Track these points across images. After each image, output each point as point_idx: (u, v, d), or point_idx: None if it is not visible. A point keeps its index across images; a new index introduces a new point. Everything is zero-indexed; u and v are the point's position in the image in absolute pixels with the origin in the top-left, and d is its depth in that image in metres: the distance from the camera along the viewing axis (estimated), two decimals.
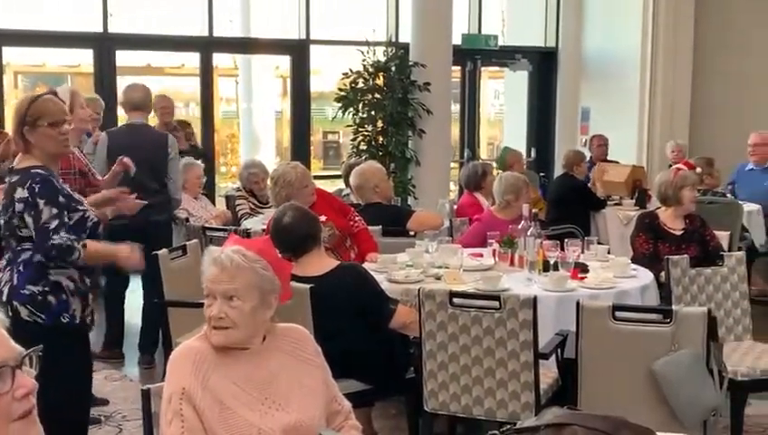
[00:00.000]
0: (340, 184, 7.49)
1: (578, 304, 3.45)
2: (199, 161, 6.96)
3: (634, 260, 4.77)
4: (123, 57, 8.82)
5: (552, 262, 4.37)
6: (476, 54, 9.98)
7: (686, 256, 4.42)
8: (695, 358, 3.23)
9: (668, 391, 3.24)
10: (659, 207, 5.21)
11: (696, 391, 3.22)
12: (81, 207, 3.41)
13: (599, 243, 5.17)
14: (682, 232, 4.99)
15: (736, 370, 3.90)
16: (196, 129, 8.50)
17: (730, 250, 5.00)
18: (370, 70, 8.72)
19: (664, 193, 5.10)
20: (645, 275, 4.44)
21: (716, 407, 3.37)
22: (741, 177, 8.00)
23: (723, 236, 5.16)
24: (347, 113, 8.74)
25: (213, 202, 7.62)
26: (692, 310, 3.36)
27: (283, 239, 3.78)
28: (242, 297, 2.32)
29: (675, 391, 3.23)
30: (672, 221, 5.03)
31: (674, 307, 3.38)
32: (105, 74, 8.36)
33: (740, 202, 7.02)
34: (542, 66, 10.55)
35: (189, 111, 11.09)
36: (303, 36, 9.22)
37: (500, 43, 10.06)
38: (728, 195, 7.46)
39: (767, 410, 4.73)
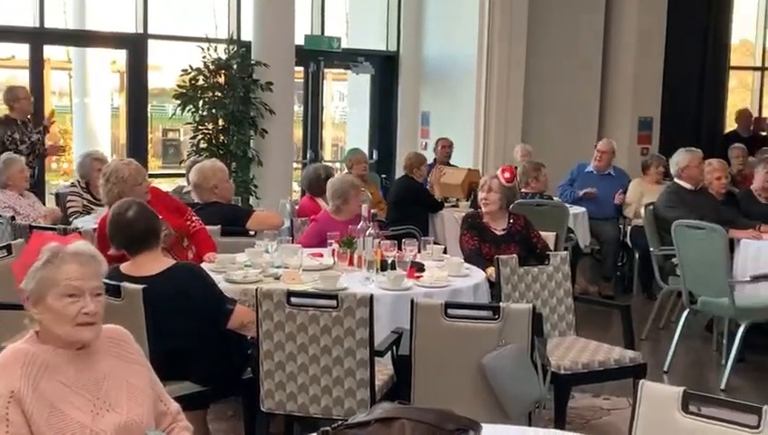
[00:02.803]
0: (181, 182, 7.35)
1: (412, 302, 3.53)
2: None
3: (464, 259, 4.92)
4: None
5: (389, 261, 4.46)
6: (319, 56, 10.02)
7: (514, 255, 4.60)
8: (520, 352, 3.37)
9: (495, 384, 3.37)
10: None
11: (520, 385, 3.36)
12: None
13: (435, 243, 5.31)
14: (504, 232, 5.18)
15: (560, 364, 4.09)
16: None
17: (556, 250, 5.23)
18: (211, 67, 8.59)
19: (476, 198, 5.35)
20: (477, 274, 4.60)
21: (540, 399, 3.52)
22: (579, 176, 8.43)
23: (549, 237, 5.40)
24: (186, 111, 8.57)
25: (42, 200, 7.28)
26: (518, 307, 3.49)
27: (124, 234, 3.70)
28: (102, 291, 2.39)
29: (501, 385, 3.36)
30: (494, 222, 5.22)
31: (501, 304, 3.51)
32: None
33: (566, 205, 7.39)
34: (385, 70, 10.73)
35: None
36: (141, 30, 8.97)
37: (343, 45, 10.14)
38: (555, 197, 7.84)
39: (589, 402, 5.02)
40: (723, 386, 5.33)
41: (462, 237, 5.18)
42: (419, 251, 4.81)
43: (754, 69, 12.78)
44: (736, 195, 6.88)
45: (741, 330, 5.35)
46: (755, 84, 12.79)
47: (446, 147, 9.21)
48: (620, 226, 8.17)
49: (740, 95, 13.59)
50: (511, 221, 5.23)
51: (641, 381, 2.41)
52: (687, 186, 6.49)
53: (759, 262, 5.83)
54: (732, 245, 5.81)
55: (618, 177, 8.43)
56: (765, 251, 5.84)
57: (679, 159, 6.56)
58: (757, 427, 2.22)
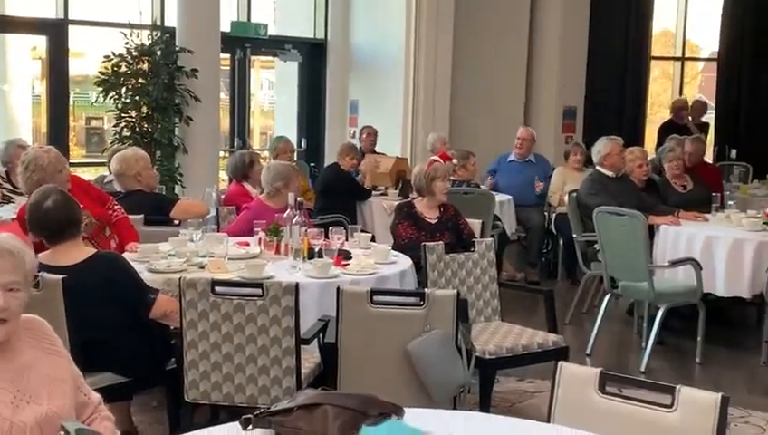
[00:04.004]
0: (103, 171, 7.20)
1: (338, 289, 3.54)
2: None
3: (397, 247, 4.95)
4: None
5: (316, 249, 4.45)
6: (246, 43, 9.92)
7: (441, 242, 4.64)
8: (445, 338, 3.41)
9: (420, 369, 3.40)
10: (416, 197, 5.44)
11: (445, 370, 3.40)
12: None
13: (362, 231, 5.33)
14: (436, 220, 5.26)
15: (484, 348, 4.15)
16: None
17: (482, 238, 5.29)
18: (134, 53, 8.43)
19: (418, 184, 5.35)
20: (404, 262, 4.62)
21: (465, 384, 3.56)
22: (501, 167, 8.54)
23: (475, 225, 5.47)
24: (109, 98, 8.39)
25: None
26: (443, 292, 3.53)
27: (43, 223, 3.62)
28: (21, 287, 2.29)
29: (426, 370, 3.39)
30: (427, 210, 5.28)
31: (427, 290, 3.54)
32: None
33: (492, 193, 7.47)
34: (312, 57, 10.67)
35: None
36: (61, 16, 8.74)
37: (270, 32, 10.05)
38: (482, 186, 7.92)
39: (514, 385, 5.10)
40: (642, 368, 5.48)
41: (398, 227, 5.21)
42: (347, 239, 4.82)
43: (675, 59, 13.10)
44: (657, 182, 7.05)
45: (660, 313, 5.50)
46: (676, 74, 13.12)
47: (370, 135, 9.20)
48: (545, 213, 8.31)
49: (662, 85, 13.92)
50: (441, 209, 5.30)
51: (560, 362, 2.46)
52: (609, 173, 6.62)
53: (677, 247, 6.00)
54: (651, 231, 5.97)
55: (538, 163, 8.58)
56: (684, 237, 6.01)
57: (601, 147, 6.70)
58: (671, 406, 2.29)
